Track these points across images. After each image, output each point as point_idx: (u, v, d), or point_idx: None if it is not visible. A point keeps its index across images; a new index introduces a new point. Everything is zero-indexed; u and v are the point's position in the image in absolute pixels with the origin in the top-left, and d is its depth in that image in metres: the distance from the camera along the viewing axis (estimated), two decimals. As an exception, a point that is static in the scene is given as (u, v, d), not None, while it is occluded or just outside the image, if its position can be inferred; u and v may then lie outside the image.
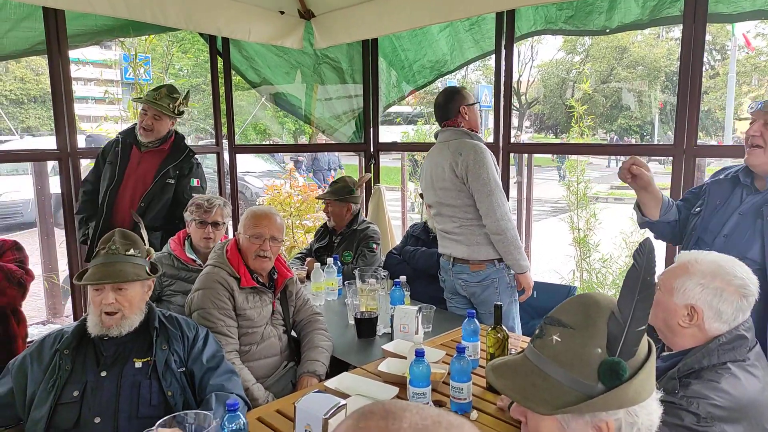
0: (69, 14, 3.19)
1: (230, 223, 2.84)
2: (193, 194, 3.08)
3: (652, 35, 22.39)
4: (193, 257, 2.68)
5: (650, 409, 0.95)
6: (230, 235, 3.06)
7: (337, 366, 2.33)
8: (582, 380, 0.93)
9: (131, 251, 1.85)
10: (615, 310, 0.96)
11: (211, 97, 4.08)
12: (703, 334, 1.43)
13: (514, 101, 26.10)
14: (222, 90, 4.08)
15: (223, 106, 4.12)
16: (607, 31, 3.22)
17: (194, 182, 3.19)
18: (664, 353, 1.54)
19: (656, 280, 1.43)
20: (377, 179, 4.51)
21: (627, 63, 23.48)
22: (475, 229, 2.72)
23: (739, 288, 1.41)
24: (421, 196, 3.57)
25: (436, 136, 2.89)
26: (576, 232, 4.12)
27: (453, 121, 2.78)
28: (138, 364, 1.79)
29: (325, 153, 11.82)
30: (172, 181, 3.12)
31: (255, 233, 2.26)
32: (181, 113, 3.15)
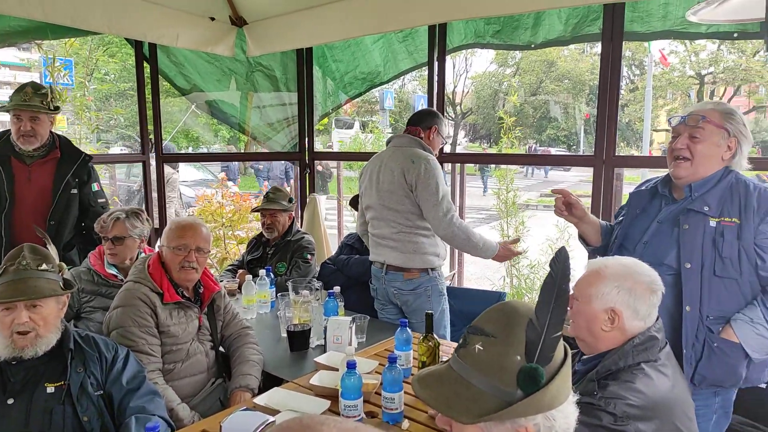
0: (-23, 14, 2.98)
1: (141, 233, 2.65)
2: (98, 200, 2.94)
3: (578, 50, 23.61)
4: (113, 272, 2.55)
5: (567, 412, 0.98)
6: (148, 244, 2.91)
7: (271, 381, 2.28)
8: (502, 387, 0.95)
9: (43, 266, 1.73)
10: (533, 317, 0.98)
11: (137, 103, 3.91)
12: (624, 335, 1.50)
13: (450, 111, 26.78)
14: (150, 96, 3.92)
15: (150, 113, 3.96)
16: (533, 46, 3.36)
17: (95, 187, 2.97)
18: (585, 356, 1.60)
19: (572, 291, 1.51)
20: (312, 188, 4.47)
21: (555, 76, 24.64)
22: (412, 237, 2.73)
23: (649, 284, 1.50)
24: (351, 204, 3.57)
25: (388, 142, 2.93)
26: (506, 239, 4.24)
27: (416, 130, 2.83)
28: (50, 389, 1.67)
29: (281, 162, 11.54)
30: (75, 191, 2.87)
31: (179, 244, 2.18)
32: (56, 109, 2.84)
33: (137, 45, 3.82)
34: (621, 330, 1.50)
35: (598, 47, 3.03)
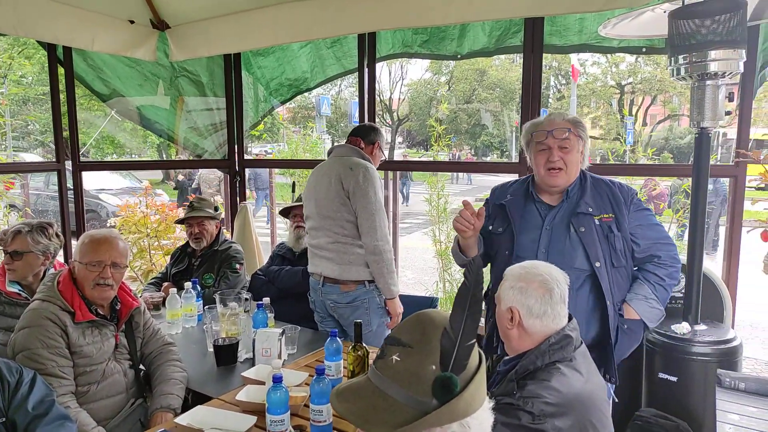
0: None
1: (45, 248, 2.50)
2: None
3: (508, 60, 24.47)
4: (16, 290, 2.38)
5: (482, 418, 0.99)
6: (63, 259, 2.75)
7: (198, 399, 2.19)
8: (418, 398, 0.94)
9: None
10: (447, 326, 0.99)
11: (51, 109, 3.69)
12: (527, 333, 1.57)
13: (387, 117, 27.04)
14: (65, 102, 3.71)
15: (66, 120, 3.74)
16: (459, 56, 3.44)
17: None
18: (506, 357, 1.65)
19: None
20: (243, 197, 4.37)
21: (486, 85, 25.41)
22: (348, 248, 2.67)
23: (541, 283, 1.58)
24: (283, 213, 3.52)
25: (329, 153, 2.89)
26: (438, 244, 4.31)
27: (357, 140, 2.83)
28: (-56, 420, 1.53)
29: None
30: None
31: (93, 260, 2.06)
32: None
33: (50, 48, 3.61)
34: (522, 328, 1.57)
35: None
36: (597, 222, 2.02)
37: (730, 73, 2.14)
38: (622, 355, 2.09)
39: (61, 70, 3.74)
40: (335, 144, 2.90)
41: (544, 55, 3.07)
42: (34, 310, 2.01)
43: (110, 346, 2.11)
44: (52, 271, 2.47)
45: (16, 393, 1.66)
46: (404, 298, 2.99)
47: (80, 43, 3.35)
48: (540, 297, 1.56)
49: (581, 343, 1.61)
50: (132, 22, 3.53)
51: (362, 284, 2.69)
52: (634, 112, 24.38)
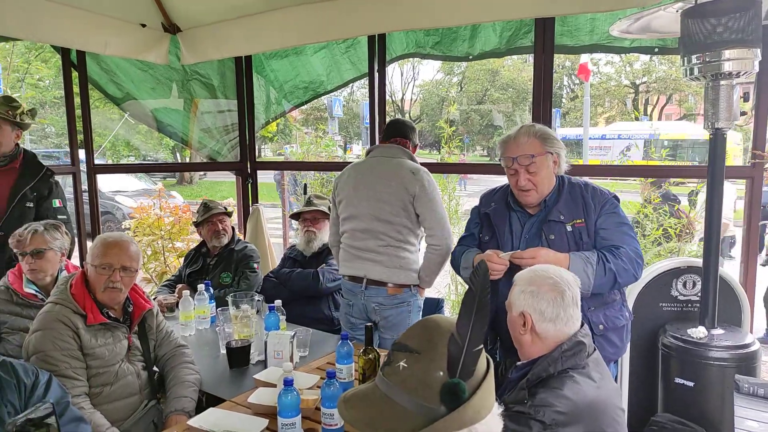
0: None
1: (61, 245, 2.55)
2: (59, 216, 2.83)
3: (521, 60, 24.36)
4: (33, 291, 2.41)
5: (491, 424, 0.99)
6: (79, 261, 2.79)
7: (211, 400, 2.20)
8: (426, 404, 0.94)
9: None
10: (454, 332, 0.98)
11: (66, 113, 3.74)
12: (540, 338, 1.56)
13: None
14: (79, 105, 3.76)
15: (80, 124, 3.79)
16: (470, 57, 3.44)
17: (56, 203, 2.91)
18: (518, 363, 1.64)
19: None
20: (256, 199, 4.39)
21: (499, 85, 25.31)
22: (399, 252, 2.68)
23: (552, 286, 1.56)
24: (295, 216, 3.52)
25: (368, 152, 2.87)
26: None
27: (406, 144, 2.84)
28: (-39, 421, 1.55)
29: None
30: (32, 205, 2.80)
31: (103, 263, 2.07)
32: (23, 123, 2.85)
33: (64, 52, 3.66)
34: (535, 333, 1.56)
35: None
36: (569, 228, 2.05)
37: (745, 73, 2.11)
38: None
39: (75, 74, 3.79)
40: (377, 143, 2.86)
41: (556, 54, 3.05)
42: (47, 313, 2.03)
43: (123, 348, 2.13)
44: (64, 273, 2.51)
45: (33, 394, 1.68)
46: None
47: (93, 47, 3.39)
48: (552, 300, 1.54)
49: (594, 349, 1.59)
50: (144, 25, 3.57)
51: (408, 288, 2.73)
52: (648, 112, 24.14)
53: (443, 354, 0.96)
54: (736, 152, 12.23)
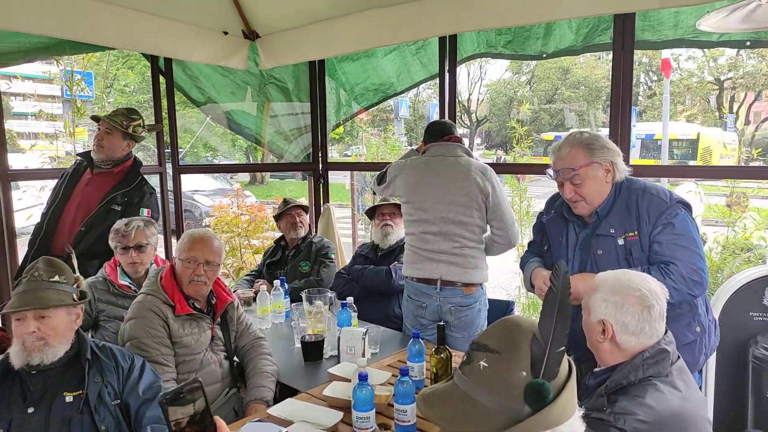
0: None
1: (156, 240, 2.72)
2: None
3: (593, 57, 23.49)
4: (127, 283, 2.59)
5: (574, 426, 0.98)
6: (165, 256, 2.96)
7: (285, 391, 2.29)
8: (509, 404, 0.94)
9: (55, 278, 1.76)
10: (536, 332, 0.98)
11: (153, 116, 3.99)
12: (620, 348, 1.50)
13: (465, 119, 26.78)
14: (165, 109, 4.00)
15: (166, 126, 4.03)
16: (544, 56, 3.36)
17: (144, 212, 3.00)
18: (596, 369, 1.60)
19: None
20: (327, 198, 4.51)
21: (570, 83, 24.51)
22: (474, 252, 2.70)
23: (640, 299, 1.49)
24: (368, 214, 3.59)
25: (423, 152, 2.85)
26: (521, 248, 4.21)
27: (458, 139, 2.87)
28: (69, 398, 1.70)
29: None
30: (118, 208, 2.93)
31: (189, 257, 2.21)
32: (135, 134, 3.03)
33: (153, 59, 3.90)
34: (614, 343, 1.51)
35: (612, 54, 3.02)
36: (621, 242, 1.93)
37: None
38: None
39: (162, 80, 4.03)
40: (434, 143, 2.84)
41: (635, 51, 2.94)
42: (139, 302, 2.19)
43: (207, 338, 2.25)
44: (154, 266, 2.68)
45: (129, 378, 1.82)
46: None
47: (180, 54, 3.61)
48: (638, 314, 1.48)
49: (678, 357, 1.52)
50: (226, 33, 3.75)
51: (480, 286, 2.76)
52: (735, 110, 22.60)
53: (526, 354, 0.97)
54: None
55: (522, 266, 2.31)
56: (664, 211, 1.91)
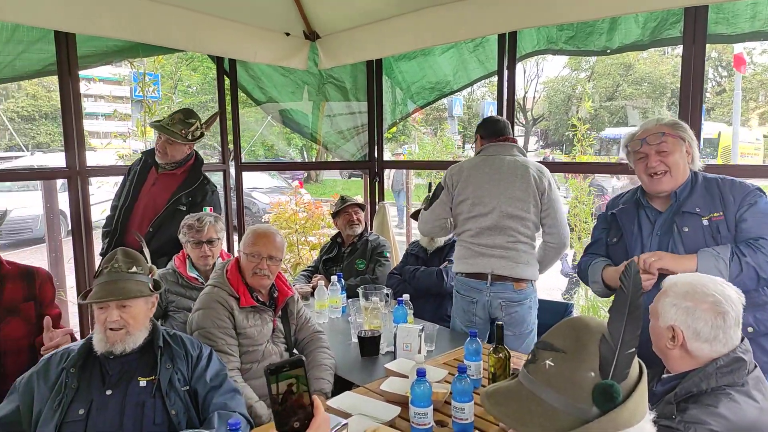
0: (79, 36, 3.26)
1: (224, 235, 2.85)
2: None
3: (658, 53, 22.49)
4: (195, 275, 2.71)
5: (645, 430, 0.96)
6: (227, 249, 3.07)
7: (340, 385, 2.34)
8: (576, 404, 0.94)
9: (134, 269, 1.86)
10: (605, 332, 0.97)
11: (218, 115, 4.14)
12: (690, 355, 1.45)
13: (520, 117, 26.25)
14: (229, 108, 4.14)
15: (229, 125, 4.18)
16: (608, 51, 3.26)
17: (207, 210, 3.11)
18: (664, 376, 1.54)
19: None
20: (381, 197, 4.55)
21: (632, 80, 23.56)
22: (527, 248, 2.73)
23: (713, 305, 1.43)
24: (414, 216, 3.59)
25: (480, 151, 2.89)
26: (581, 249, 4.11)
27: (514, 140, 2.92)
28: (142, 383, 1.80)
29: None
30: (184, 208, 3.07)
31: (253, 251, 2.29)
32: (195, 138, 3.14)
33: (218, 60, 4.05)
34: (685, 350, 1.45)
35: (679, 49, 2.90)
36: (705, 222, 1.91)
37: None
38: None
39: (226, 81, 4.18)
40: (490, 143, 2.86)
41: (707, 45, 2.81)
42: (207, 294, 2.29)
43: (269, 330, 2.33)
44: (219, 260, 2.79)
45: (197, 365, 1.90)
46: (540, 303, 2.92)
47: (245, 55, 3.73)
48: (711, 321, 1.42)
49: (755, 366, 1.45)
50: (288, 34, 3.85)
51: (531, 283, 2.76)
52: (815, 106, 21.10)
53: (594, 354, 0.96)
54: None
55: (582, 270, 2.27)
56: (748, 193, 1.94)
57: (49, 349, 2.08)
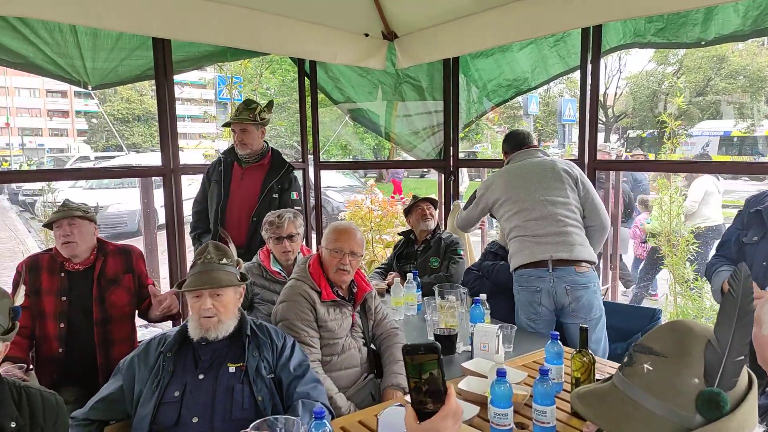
0: (174, 42, 3.48)
1: (303, 231, 2.96)
2: (296, 207, 3.23)
3: (755, 43, 20.83)
4: (278, 269, 2.82)
5: (753, 444, 0.91)
6: (305, 244, 3.18)
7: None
8: (678, 411, 0.90)
9: (224, 260, 1.98)
10: (712, 338, 0.92)
11: (299, 115, 4.28)
12: None
13: (601, 115, 25.15)
14: (308, 109, 4.26)
15: (309, 124, 4.31)
16: (703, 43, 3.07)
17: (294, 195, 3.35)
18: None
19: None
20: (456, 195, 4.52)
21: (726, 73, 21.94)
22: (578, 230, 2.78)
23: None
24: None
25: (508, 161, 3.11)
26: (671, 256, 3.88)
27: (536, 146, 3.12)
28: (232, 369, 1.90)
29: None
30: (276, 196, 3.27)
31: (335, 247, 2.35)
32: (264, 120, 3.32)
33: (300, 62, 4.18)
34: None
35: (783, 39, 2.68)
36: None
37: None
38: None
39: (306, 82, 4.31)
40: (515, 153, 3.09)
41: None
42: (290, 287, 2.38)
43: (348, 324, 2.38)
44: (300, 255, 2.89)
45: (281, 355, 1.99)
46: (623, 307, 2.82)
47: (325, 57, 3.83)
48: None
49: None
50: (367, 35, 3.91)
51: (592, 267, 2.74)
52: None
53: (698, 360, 0.91)
54: None
55: (708, 274, 2.21)
56: None
57: (164, 309, 2.49)
